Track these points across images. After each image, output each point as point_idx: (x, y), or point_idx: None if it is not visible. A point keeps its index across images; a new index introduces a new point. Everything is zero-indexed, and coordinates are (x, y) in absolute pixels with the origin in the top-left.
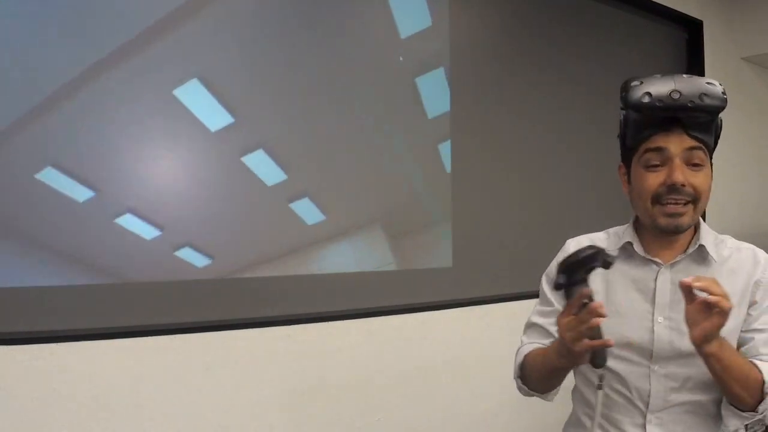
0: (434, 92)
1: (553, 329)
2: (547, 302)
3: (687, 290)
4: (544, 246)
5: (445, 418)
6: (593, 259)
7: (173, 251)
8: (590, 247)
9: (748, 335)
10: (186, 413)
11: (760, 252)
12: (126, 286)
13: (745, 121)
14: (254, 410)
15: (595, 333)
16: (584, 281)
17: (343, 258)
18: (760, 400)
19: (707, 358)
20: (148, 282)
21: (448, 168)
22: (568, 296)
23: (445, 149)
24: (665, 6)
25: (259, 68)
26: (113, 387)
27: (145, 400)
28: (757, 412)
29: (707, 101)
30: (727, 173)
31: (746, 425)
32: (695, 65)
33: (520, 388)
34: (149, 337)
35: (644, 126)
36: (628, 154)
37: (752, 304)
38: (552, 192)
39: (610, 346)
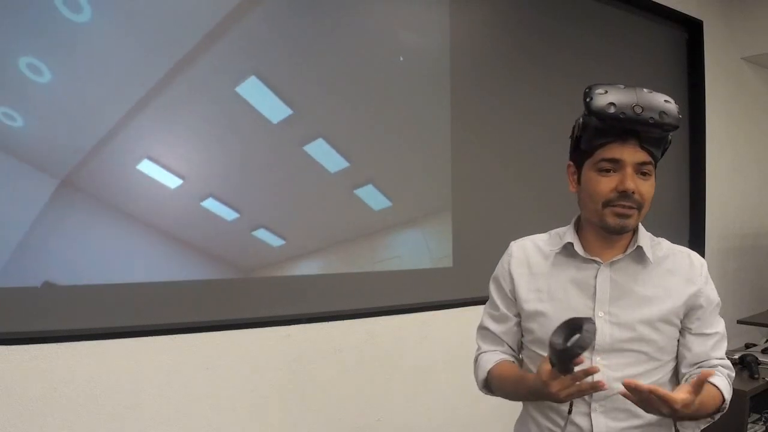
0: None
1: (505, 338)
2: (495, 306)
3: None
4: None
5: (445, 418)
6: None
7: (251, 231)
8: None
9: (699, 338)
10: (186, 413)
11: (695, 256)
12: (126, 287)
13: (745, 121)
14: (254, 410)
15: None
16: (581, 352)
17: (412, 244)
18: (717, 412)
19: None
20: (148, 282)
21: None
22: (563, 360)
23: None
24: (665, 6)
25: (310, 62)
26: (113, 387)
27: (145, 400)
28: (713, 418)
29: (666, 119)
30: (727, 173)
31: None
32: (695, 65)
33: (487, 394)
34: (149, 337)
35: (603, 134)
36: (581, 156)
37: (698, 307)
38: (552, 192)
39: (602, 389)
